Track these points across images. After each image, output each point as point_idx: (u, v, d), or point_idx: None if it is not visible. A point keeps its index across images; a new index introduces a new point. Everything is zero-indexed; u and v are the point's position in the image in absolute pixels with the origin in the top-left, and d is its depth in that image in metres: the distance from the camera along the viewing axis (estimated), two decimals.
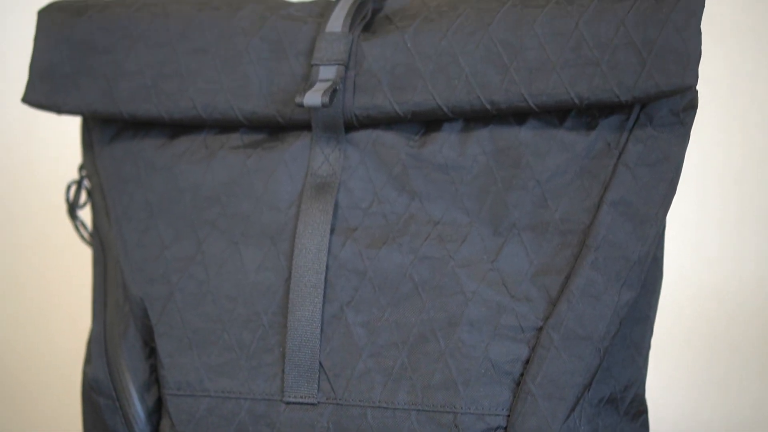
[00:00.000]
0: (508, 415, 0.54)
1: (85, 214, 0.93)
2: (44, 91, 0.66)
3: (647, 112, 0.55)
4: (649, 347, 0.59)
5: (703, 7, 0.53)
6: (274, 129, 0.63)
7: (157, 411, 0.62)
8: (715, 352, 0.91)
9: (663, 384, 0.92)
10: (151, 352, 0.62)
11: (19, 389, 1.07)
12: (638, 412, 0.59)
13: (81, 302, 1.01)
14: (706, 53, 0.86)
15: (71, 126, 0.98)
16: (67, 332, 1.05)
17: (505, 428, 0.54)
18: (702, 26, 0.56)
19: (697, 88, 0.58)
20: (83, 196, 0.72)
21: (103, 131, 0.67)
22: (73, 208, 0.68)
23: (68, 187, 0.68)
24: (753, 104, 0.90)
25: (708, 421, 0.91)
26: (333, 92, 0.57)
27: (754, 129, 0.90)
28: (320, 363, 0.57)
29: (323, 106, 0.57)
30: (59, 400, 1.04)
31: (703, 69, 0.86)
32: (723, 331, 0.91)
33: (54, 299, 1.07)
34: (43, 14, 0.66)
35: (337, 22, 0.59)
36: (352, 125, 0.60)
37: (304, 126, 0.61)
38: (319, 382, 0.57)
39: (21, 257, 1.07)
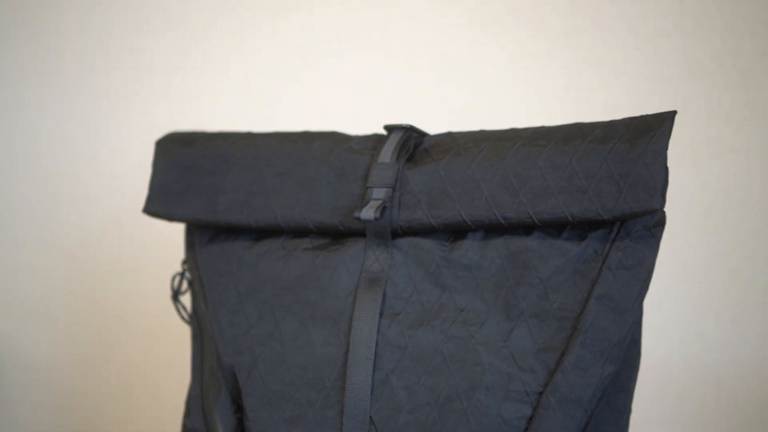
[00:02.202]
0: None
1: (185, 299, 0.98)
2: (160, 204, 0.72)
3: (626, 227, 0.60)
4: (629, 411, 0.64)
5: (666, 148, 0.58)
6: (336, 235, 0.68)
7: None
8: (716, 429, 0.93)
9: None
10: (239, 408, 0.68)
11: None
12: None
13: (183, 367, 1.07)
14: (702, 175, 0.88)
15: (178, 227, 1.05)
16: (172, 392, 1.10)
17: None
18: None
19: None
20: (185, 285, 0.76)
21: (202, 235, 0.73)
22: (176, 294, 0.74)
23: (173, 278, 0.74)
24: (746, 213, 0.93)
25: None
26: (383, 209, 0.63)
27: (745, 234, 0.93)
28: (371, 417, 0.62)
29: (375, 219, 0.63)
30: None
31: (712, 182, 0.89)
32: (722, 411, 0.93)
33: (162, 365, 1.12)
34: (160, 144, 0.74)
35: (387, 154, 0.66)
36: (397, 234, 0.65)
37: (360, 233, 0.67)
38: None
39: (138, 334, 1.13)
